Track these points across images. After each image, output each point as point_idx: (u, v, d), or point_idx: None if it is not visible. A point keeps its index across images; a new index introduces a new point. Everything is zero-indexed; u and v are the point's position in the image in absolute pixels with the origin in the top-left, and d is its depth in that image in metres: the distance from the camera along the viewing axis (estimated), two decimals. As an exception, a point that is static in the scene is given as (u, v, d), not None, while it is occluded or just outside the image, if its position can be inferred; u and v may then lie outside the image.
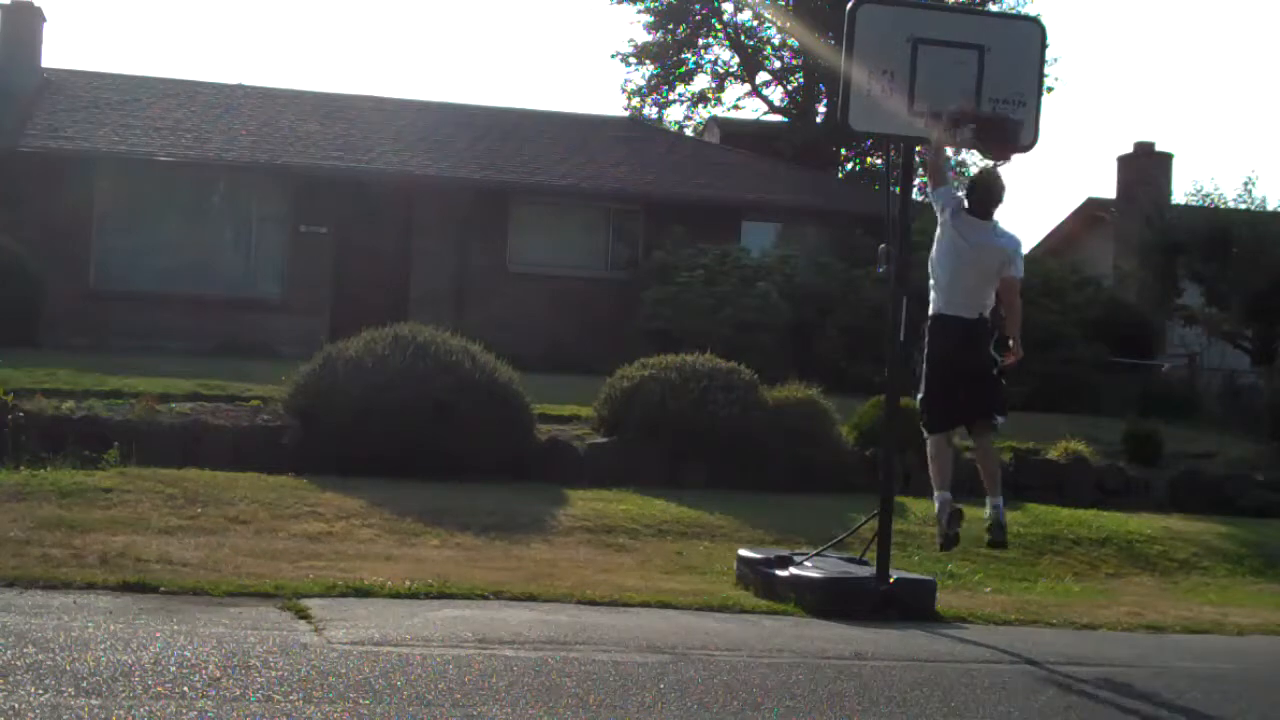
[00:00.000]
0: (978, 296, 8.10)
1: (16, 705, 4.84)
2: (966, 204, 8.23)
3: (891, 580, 8.47)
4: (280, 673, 5.63)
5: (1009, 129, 8.23)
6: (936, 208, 8.26)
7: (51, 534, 8.44)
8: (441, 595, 7.75)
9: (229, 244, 20.90)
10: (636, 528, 10.45)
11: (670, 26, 34.25)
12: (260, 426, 11.88)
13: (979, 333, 8.07)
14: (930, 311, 8.23)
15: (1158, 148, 26.88)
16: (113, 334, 18.43)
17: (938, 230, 8.22)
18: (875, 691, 6.20)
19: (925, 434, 8.36)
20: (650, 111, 35.40)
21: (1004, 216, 8.24)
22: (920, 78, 8.22)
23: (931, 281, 8.21)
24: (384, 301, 19.33)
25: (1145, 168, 26.44)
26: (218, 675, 5.50)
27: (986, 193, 8.22)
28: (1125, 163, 26.96)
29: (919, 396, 8.32)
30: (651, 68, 35.05)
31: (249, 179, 20.86)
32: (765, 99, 35.12)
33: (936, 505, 8.25)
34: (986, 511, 8.30)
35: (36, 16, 22.75)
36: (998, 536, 8.31)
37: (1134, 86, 71.84)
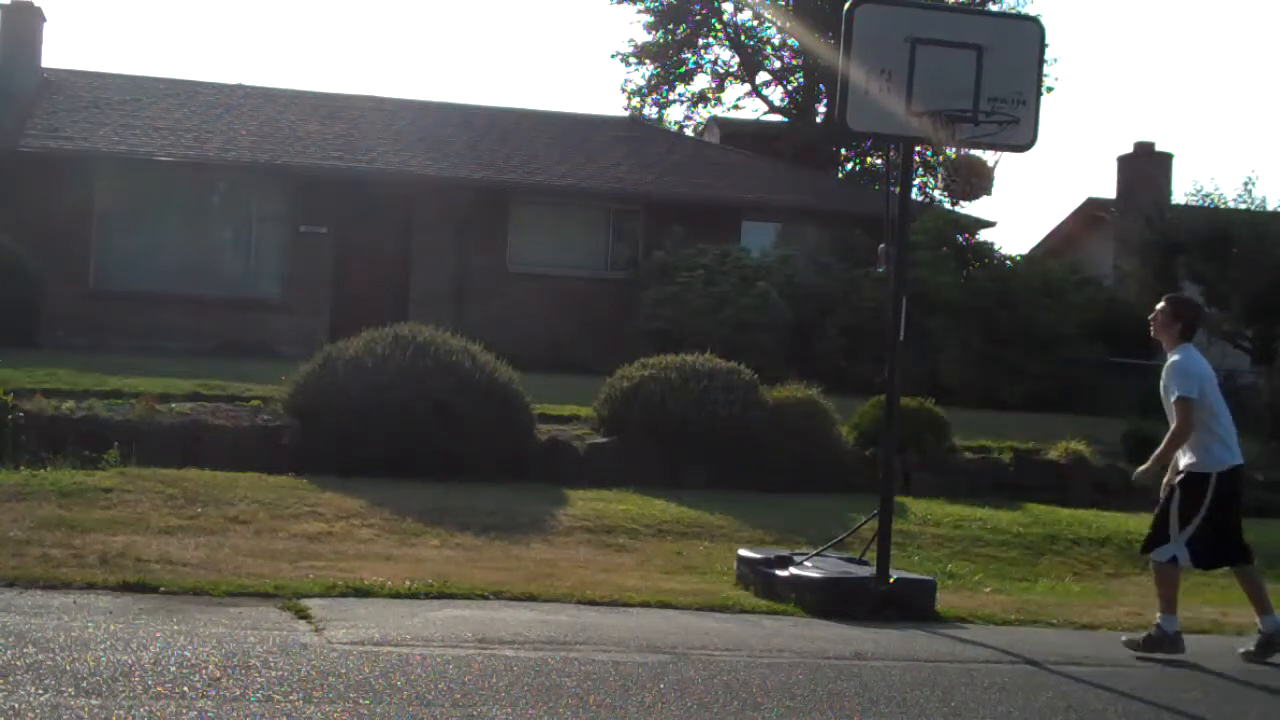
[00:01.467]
0: None
1: (16, 705, 4.84)
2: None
3: (891, 580, 8.47)
4: (280, 673, 5.63)
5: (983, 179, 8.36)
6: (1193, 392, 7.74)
7: (51, 534, 8.44)
8: (441, 595, 7.75)
9: (229, 244, 20.90)
10: (636, 528, 10.44)
11: (670, 26, 34.24)
12: (260, 426, 11.88)
13: None
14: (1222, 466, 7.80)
15: (1158, 148, 26.88)
16: (113, 334, 18.43)
17: (1200, 388, 7.74)
18: (875, 691, 6.21)
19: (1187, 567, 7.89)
20: (650, 111, 35.39)
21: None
22: (919, 78, 8.22)
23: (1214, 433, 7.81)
24: (384, 301, 19.34)
25: (1145, 168, 26.43)
26: (218, 675, 5.50)
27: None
28: (1125, 163, 26.95)
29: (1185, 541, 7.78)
30: (651, 68, 35.04)
31: (249, 179, 20.86)
32: (765, 99, 35.16)
33: (1173, 630, 7.77)
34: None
35: (36, 16, 22.75)
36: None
37: (1134, 86, 71.88)
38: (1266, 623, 7.81)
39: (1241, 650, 7.84)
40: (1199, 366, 7.86)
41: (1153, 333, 8.07)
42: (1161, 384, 7.94)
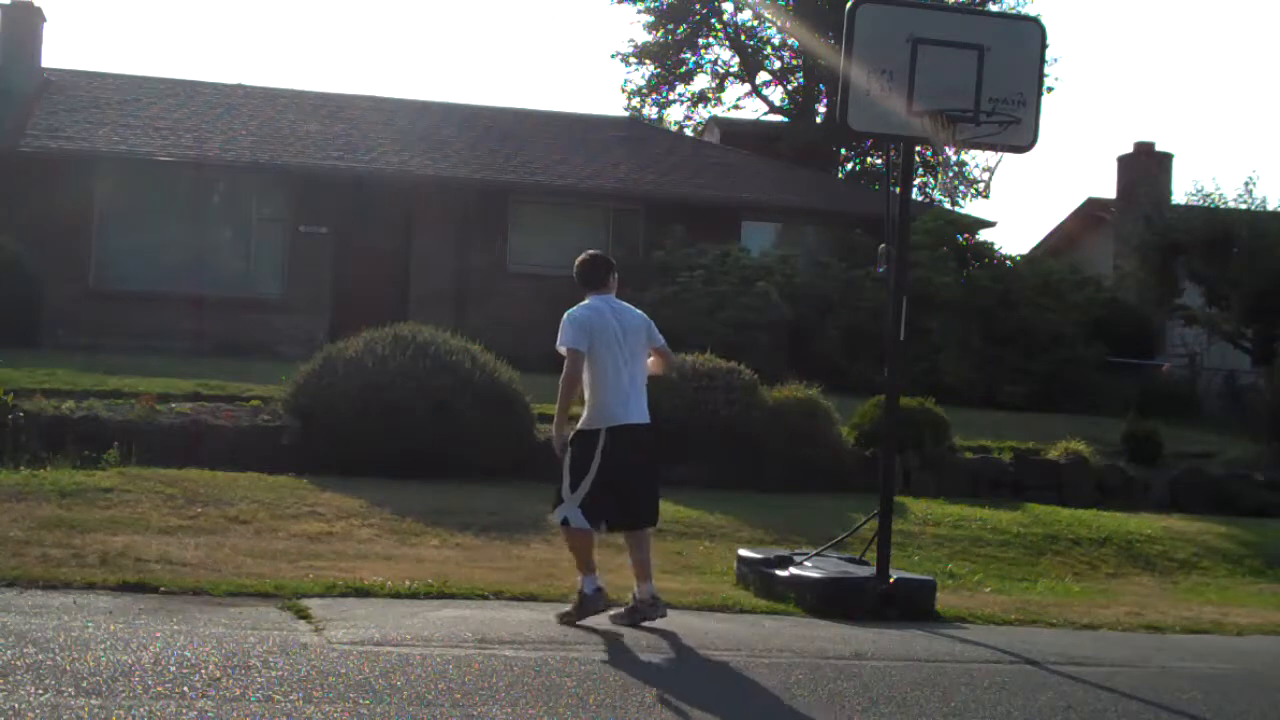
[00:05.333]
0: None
1: (16, 705, 4.84)
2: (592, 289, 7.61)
3: (891, 580, 8.47)
4: (280, 673, 5.63)
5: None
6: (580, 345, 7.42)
7: (51, 534, 8.44)
8: (441, 595, 7.75)
9: (229, 244, 20.87)
10: (636, 528, 10.42)
11: (670, 26, 34.23)
12: (260, 426, 11.88)
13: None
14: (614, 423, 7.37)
15: (1158, 148, 26.88)
16: (113, 334, 18.40)
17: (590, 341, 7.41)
18: (875, 691, 6.20)
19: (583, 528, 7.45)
20: (650, 111, 35.39)
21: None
22: (920, 78, 8.21)
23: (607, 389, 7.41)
24: (384, 301, 19.32)
25: (1145, 168, 26.44)
26: (218, 675, 5.50)
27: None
28: (1125, 163, 26.96)
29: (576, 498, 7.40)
30: (651, 68, 35.04)
31: (249, 179, 20.84)
32: (765, 99, 35.15)
33: (593, 590, 7.34)
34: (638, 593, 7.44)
35: (36, 16, 22.76)
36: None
37: (1134, 86, 71.89)
38: (643, 590, 7.38)
39: (611, 614, 7.35)
40: (588, 318, 7.47)
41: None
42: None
